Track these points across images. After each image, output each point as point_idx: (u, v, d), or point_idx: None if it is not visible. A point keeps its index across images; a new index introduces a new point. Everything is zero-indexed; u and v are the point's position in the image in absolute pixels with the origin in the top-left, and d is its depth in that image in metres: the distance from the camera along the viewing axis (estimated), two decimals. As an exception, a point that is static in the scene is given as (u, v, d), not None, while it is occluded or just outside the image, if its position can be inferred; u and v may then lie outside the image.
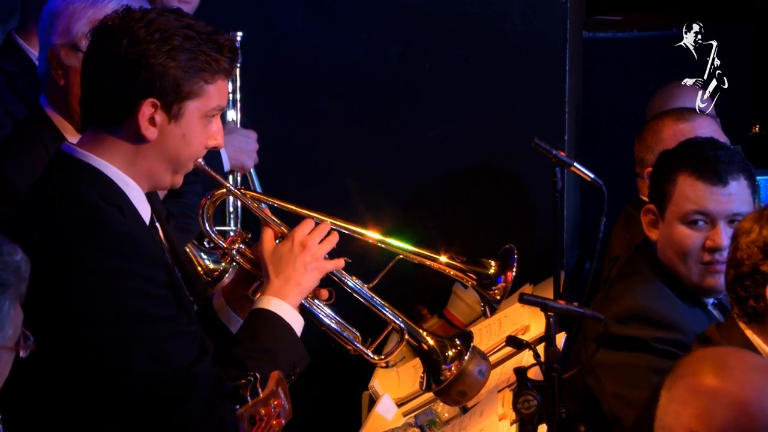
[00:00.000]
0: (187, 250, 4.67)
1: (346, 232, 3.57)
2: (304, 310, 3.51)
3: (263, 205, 3.59)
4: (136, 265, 3.19)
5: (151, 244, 3.29)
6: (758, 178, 4.54)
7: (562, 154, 4.39)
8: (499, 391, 4.00)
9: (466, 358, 3.47)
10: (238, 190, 3.59)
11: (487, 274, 3.63)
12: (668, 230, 4.15)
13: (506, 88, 5.37)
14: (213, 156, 4.89)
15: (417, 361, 4.69)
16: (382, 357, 3.58)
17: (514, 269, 3.62)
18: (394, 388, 4.53)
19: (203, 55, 3.26)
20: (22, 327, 2.77)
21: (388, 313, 3.58)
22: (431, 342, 3.55)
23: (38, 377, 3.19)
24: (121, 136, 3.28)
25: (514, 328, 4.44)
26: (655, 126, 5.01)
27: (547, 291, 4.72)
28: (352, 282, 3.58)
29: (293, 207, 3.59)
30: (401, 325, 3.57)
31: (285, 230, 3.52)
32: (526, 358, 4.10)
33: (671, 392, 2.78)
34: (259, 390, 2.84)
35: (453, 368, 3.48)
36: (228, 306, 3.58)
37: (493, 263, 3.63)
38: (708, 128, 4.84)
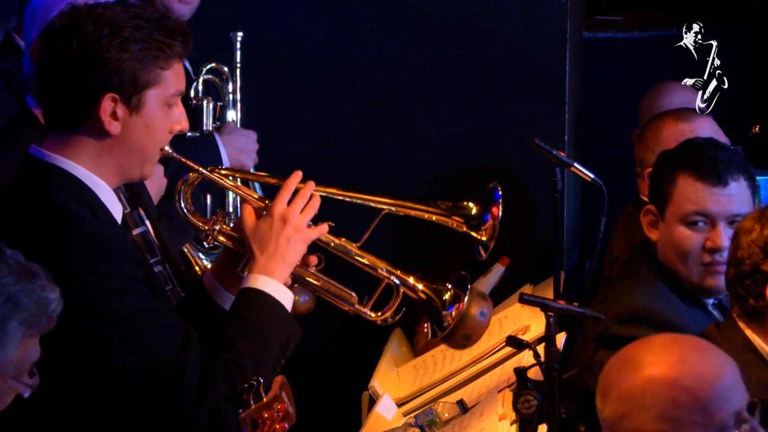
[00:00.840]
0: (185, 250, 4.68)
1: (327, 195, 3.54)
2: (296, 279, 3.49)
3: (239, 182, 3.57)
4: (110, 265, 3.19)
5: (123, 243, 3.30)
6: (758, 178, 4.54)
7: (562, 154, 4.39)
8: (499, 391, 4.00)
9: (465, 301, 3.43)
10: (208, 170, 3.53)
11: (471, 215, 3.60)
12: (668, 231, 4.15)
13: (506, 88, 5.37)
14: (213, 156, 4.89)
15: (417, 361, 4.70)
16: (380, 314, 3.55)
17: (500, 205, 3.58)
18: (394, 388, 4.53)
19: (155, 42, 3.26)
20: (33, 365, 2.77)
21: (381, 269, 3.55)
22: (428, 291, 3.51)
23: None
24: (85, 134, 3.28)
25: (514, 328, 4.44)
26: (655, 126, 5.00)
27: (547, 291, 4.72)
28: (339, 243, 3.54)
29: (268, 178, 3.57)
30: (394, 279, 3.53)
31: (265, 203, 3.50)
32: (526, 358, 4.09)
33: (605, 414, 2.79)
34: (263, 394, 2.83)
35: (454, 312, 3.44)
36: (220, 285, 3.55)
37: (472, 204, 3.59)
38: (708, 128, 4.83)
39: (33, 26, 3.90)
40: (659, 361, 2.73)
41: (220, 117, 5.10)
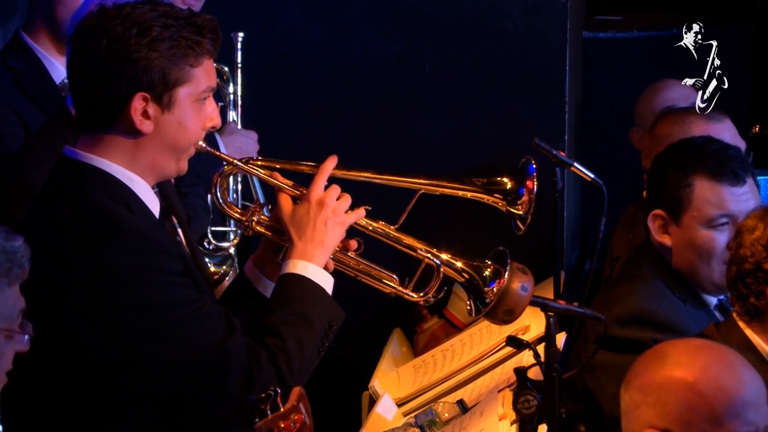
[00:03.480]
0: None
1: (362, 179, 3.57)
2: (337, 264, 3.51)
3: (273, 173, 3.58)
4: (149, 258, 3.21)
5: (162, 236, 3.32)
6: (758, 178, 4.54)
7: (562, 154, 4.38)
8: (499, 391, 4.00)
9: (506, 276, 3.42)
10: (244, 162, 3.56)
11: (507, 190, 3.61)
12: (688, 235, 4.11)
13: (506, 88, 5.37)
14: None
15: (417, 361, 4.70)
16: (422, 295, 3.56)
17: (534, 179, 3.59)
18: (394, 388, 4.53)
19: (184, 40, 3.27)
20: (21, 314, 2.78)
21: (420, 249, 3.56)
22: (468, 269, 3.51)
23: (54, 380, 3.23)
24: (118, 133, 3.29)
25: (514, 328, 4.44)
26: (680, 122, 4.90)
27: (547, 291, 4.71)
28: (377, 227, 3.56)
29: (303, 167, 3.57)
30: (434, 260, 3.54)
31: (301, 191, 3.51)
32: (526, 358, 4.10)
33: (624, 401, 2.81)
34: (280, 404, 2.83)
35: (495, 288, 3.43)
36: (261, 274, 3.57)
37: (507, 179, 3.61)
38: (733, 130, 4.84)
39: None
40: (684, 363, 2.76)
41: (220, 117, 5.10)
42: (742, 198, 4.09)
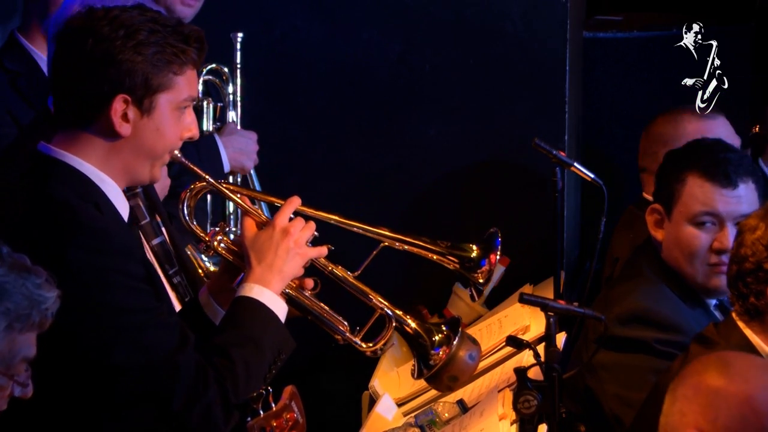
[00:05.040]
0: (188, 252, 4.67)
1: (327, 221, 3.55)
2: (290, 301, 3.49)
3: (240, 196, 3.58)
4: (111, 260, 3.20)
5: (128, 239, 3.30)
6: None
7: (562, 154, 4.39)
8: (499, 391, 4.01)
9: (455, 342, 3.44)
10: (218, 182, 3.55)
11: (470, 258, 3.61)
12: (675, 230, 4.15)
13: (506, 88, 5.37)
14: (213, 157, 4.89)
15: (417, 361, 4.70)
16: (371, 345, 3.54)
17: (498, 252, 3.59)
18: (394, 388, 4.53)
19: (170, 47, 3.27)
20: (27, 364, 2.77)
21: (375, 300, 3.55)
22: (418, 329, 3.52)
23: (46, 380, 3.20)
24: (95, 133, 3.29)
25: (514, 328, 4.44)
26: (673, 120, 4.93)
27: (547, 291, 4.72)
28: (336, 271, 3.55)
29: (271, 198, 3.57)
30: (388, 311, 3.53)
31: (266, 219, 3.50)
32: (526, 358, 4.10)
33: (675, 393, 2.79)
34: (272, 403, 2.83)
35: (441, 353, 3.45)
36: (213, 300, 3.55)
37: (474, 247, 3.61)
38: (726, 128, 4.83)
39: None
40: (749, 378, 2.74)
41: (220, 118, 5.10)
42: (731, 200, 4.09)
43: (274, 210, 3.52)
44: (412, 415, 4.21)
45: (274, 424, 2.83)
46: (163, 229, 3.60)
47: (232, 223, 5.00)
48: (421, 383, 4.48)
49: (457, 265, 3.61)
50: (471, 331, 4.68)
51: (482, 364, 4.39)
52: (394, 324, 3.53)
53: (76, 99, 3.28)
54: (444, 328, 3.50)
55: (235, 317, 3.39)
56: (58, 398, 3.23)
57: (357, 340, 3.54)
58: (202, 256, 4.69)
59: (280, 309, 3.43)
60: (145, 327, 3.20)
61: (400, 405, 4.40)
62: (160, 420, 3.23)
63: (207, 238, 3.53)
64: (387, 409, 4.28)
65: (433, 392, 4.39)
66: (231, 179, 4.99)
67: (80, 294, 3.15)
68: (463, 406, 4.14)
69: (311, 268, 3.52)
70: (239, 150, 4.98)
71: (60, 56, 3.33)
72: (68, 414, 3.25)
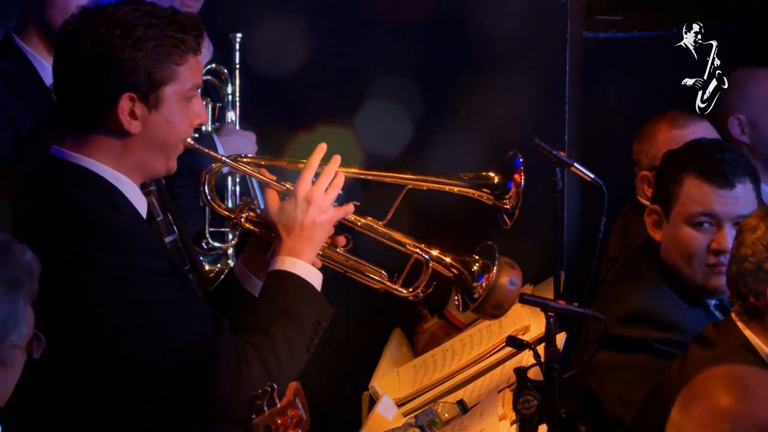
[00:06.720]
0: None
1: (348, 174, 3.55)
2: (325, 260, 3.50)
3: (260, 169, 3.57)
4: (135, 258, 3.21)
5: (149, 236, 3.32)
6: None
7: (562, 154, 4.38)
8: (499, 391, 4.00)
9: (494, 271, 3.44)
10: (232, 159, 3.56)
11: (495, 185, 3.61)
12: (673, 231, 4.16)
13: (506, 88, 5.37)
14: (213, 158, 4.88)
15: (417, 361, 4.70)
16: (411, 289, 3.56)
17: (521, 172, 3.59)
18: (394, 388, 4.53)
19: (168, 39, 3.27)
20: (34, 328, 2.78)
21: (409, 245, 3.56)
22: (457, 264, 3.52)
23: (50, 381, 3.22)
24: (106, 134, 3.30)
25: (514, 328, 4.44)
26: (649, 130, 5.02)
27: (547, 291, 4.71)
28: (365, 222, 3.56)
29: (293, 163, 3.57)
30: (423, 255, 3.54)
31: (288, 187, 3.50)
32: (526, 358, 4.09)
33: (688, 411, 2.74)
34: (276, 400, 2.83)
35: (484, 283, 3.45)
36: (250, 273, 3.56)
37: (493, 174, 3.61)
38: (702, 133, 4.83)
39: None
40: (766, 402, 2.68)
41: (219, 118, 5.10)
42: (728, 201, 4.09)
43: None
44: (412, 415, 4.21)
45: (279, 421, 2.82)
46: (175, 228, 3.60)
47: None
48: (421, 383, 4.48)
49: (490, 196, 3.60)
50: (471, 331, 4.68)
51: (482, 364, 4.39)
52: (431, 265, 3.52)
53: (82, 103, 3.28)
54: (483, 258, 3.49)
55: (270, 292, 3.40)
56: (109, 397, 3.24)
57: (397, 287, 3.56)
58: (199, 256, 4.69)
59: (315, 277, 3.44)
60: (177, 319, 3.21)
61: (400, 405, 4.39)
62: (208, 408, 3.24)
63: (232, 216, 3.54)
64: (387, 409, 4.28)
65: (433, 392, 4.39)
66: (230, 179, 4.99)
67: (109, 294, 3.17)
68: (463, 407, 4.13)
69: (340, 225, 3.53)
70: (238, 150, 4.96)
71: (61, 62, 3.33)
72: (106, 411, 3.25)
